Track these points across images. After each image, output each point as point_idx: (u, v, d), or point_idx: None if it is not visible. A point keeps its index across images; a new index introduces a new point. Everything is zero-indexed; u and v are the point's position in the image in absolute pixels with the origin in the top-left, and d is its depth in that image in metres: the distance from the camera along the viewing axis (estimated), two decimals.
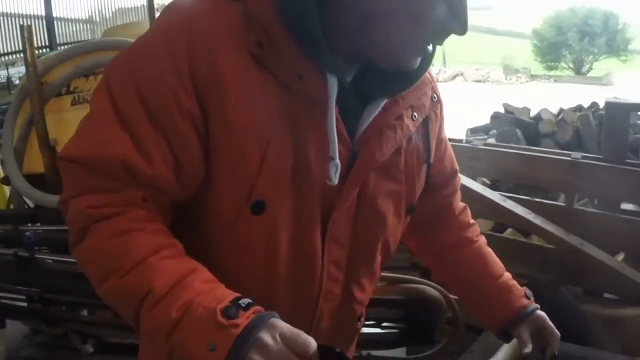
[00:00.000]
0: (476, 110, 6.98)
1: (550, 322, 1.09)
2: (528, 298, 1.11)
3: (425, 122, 0.86)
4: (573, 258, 1.89)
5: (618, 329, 1.83)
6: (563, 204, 2.01)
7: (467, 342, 2.16)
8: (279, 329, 0.62)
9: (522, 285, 1.14)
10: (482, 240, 1.13)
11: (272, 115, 0.70)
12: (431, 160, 0.90)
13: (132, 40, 0.80)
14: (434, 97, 0.86)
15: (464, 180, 2.01)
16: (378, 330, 1.86)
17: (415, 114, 0.81)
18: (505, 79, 18.02)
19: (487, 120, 3.79)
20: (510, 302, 1.08)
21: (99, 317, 1.99)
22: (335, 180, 0.72)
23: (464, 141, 2.45)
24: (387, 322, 1.78)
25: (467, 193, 1.94)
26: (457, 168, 1.05)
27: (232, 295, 0.65)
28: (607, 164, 1.97)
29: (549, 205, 2.01)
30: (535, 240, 2.09)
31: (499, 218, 2.01)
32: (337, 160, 0.71)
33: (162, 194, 0.71)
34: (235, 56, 0.68)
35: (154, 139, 0.67)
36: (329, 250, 0.79)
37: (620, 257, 2.20)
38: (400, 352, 2.06)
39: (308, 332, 0.64)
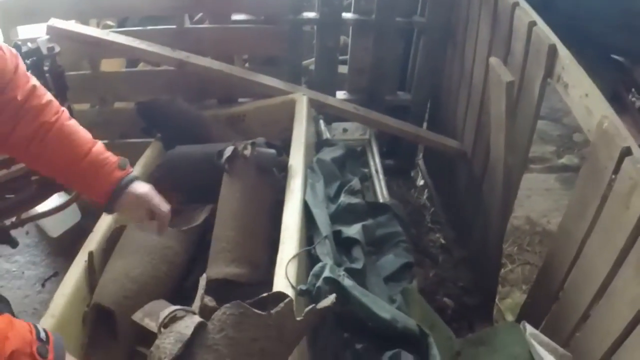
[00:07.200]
0: None
1: (145, 190, 1.18)
2: (123, 168, 1.17)
3: None
4: (193, 76, 2.05)
5: (240, 124, 2.12)
6: (174, 27, 2.11)
7: None
8: None
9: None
10: (64, 116, 1.13)
11: None
12: None
13: None
14: None
15: (73, 26, 1.96)
16: None
17: None
18: None
19: None
20: (104, 177, 1.14)
21: None
22: None
23: None
24: None
25: (80, 38, 1.91)
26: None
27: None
28: None
29: (159, 30, 2.09)
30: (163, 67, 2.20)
31: (107, 53, 2.05)
32: None
33: None
34: None
35: None
36: None
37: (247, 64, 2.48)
38: None
39: None
